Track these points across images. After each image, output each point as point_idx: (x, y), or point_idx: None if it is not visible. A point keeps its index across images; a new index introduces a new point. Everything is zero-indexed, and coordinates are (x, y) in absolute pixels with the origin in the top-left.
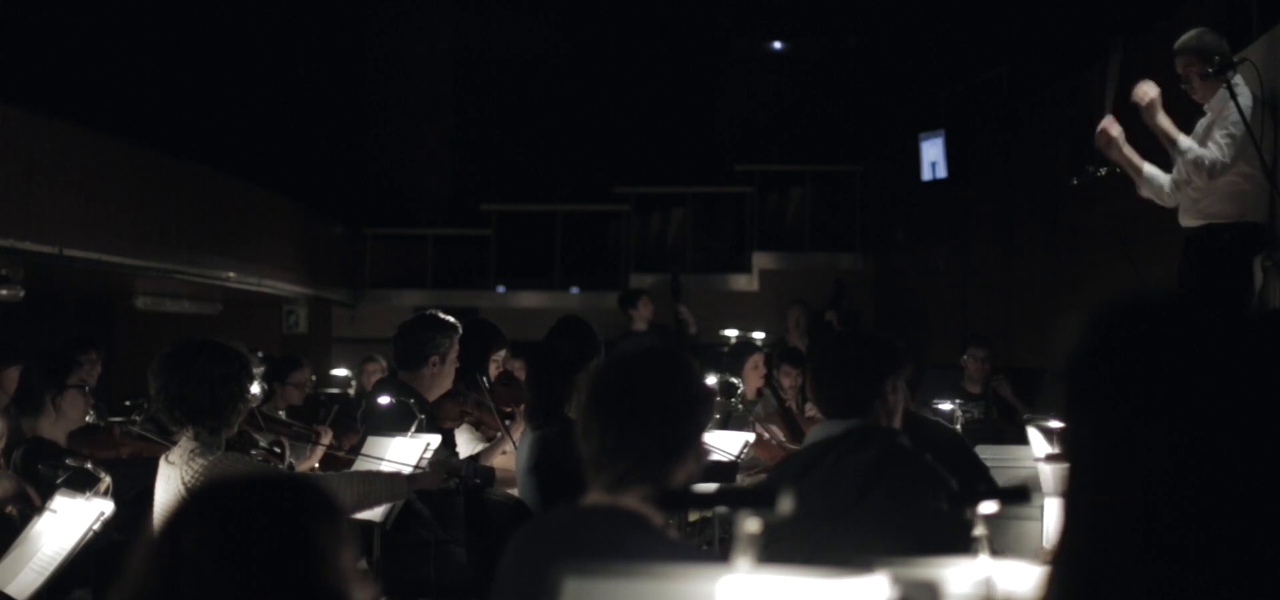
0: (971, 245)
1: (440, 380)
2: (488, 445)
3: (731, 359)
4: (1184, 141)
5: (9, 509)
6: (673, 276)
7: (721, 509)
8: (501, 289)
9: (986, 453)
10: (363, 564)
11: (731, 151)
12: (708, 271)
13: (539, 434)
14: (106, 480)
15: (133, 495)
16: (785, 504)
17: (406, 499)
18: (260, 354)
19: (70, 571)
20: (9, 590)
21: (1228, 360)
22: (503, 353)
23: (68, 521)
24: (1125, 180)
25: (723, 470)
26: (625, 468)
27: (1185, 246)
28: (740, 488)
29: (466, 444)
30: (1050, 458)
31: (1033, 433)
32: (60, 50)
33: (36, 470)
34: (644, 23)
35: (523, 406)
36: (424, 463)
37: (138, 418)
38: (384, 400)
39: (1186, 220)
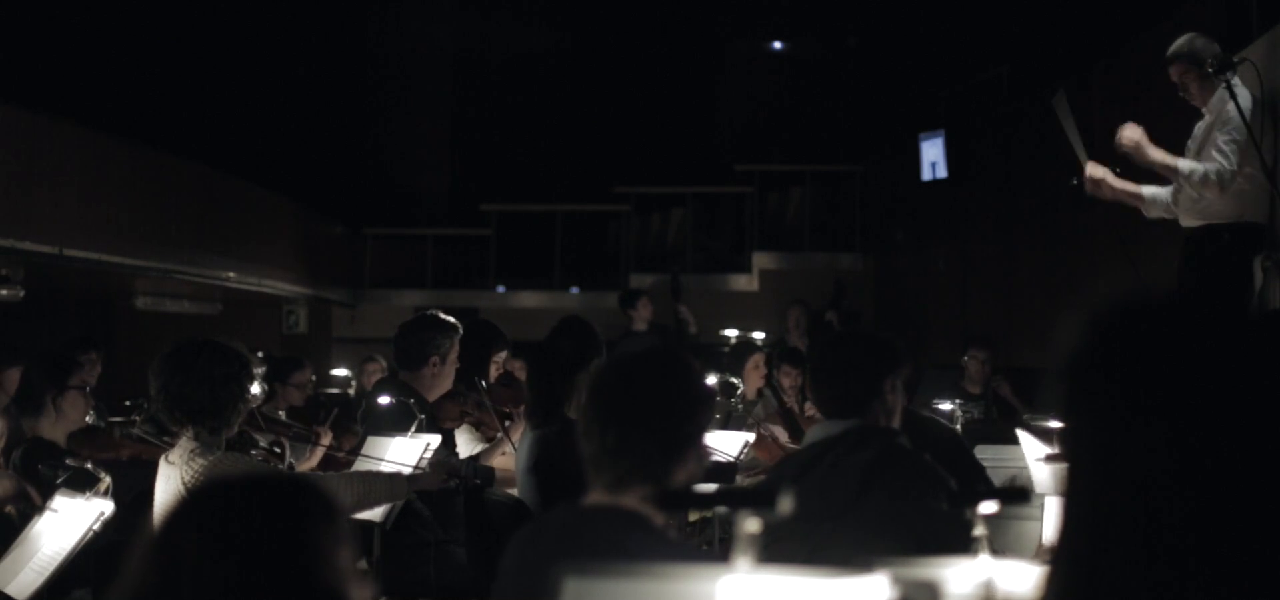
0: (971, 245)
1: (440, 380)
2: (487, 447)
3: (732, 359)
4: (1185, 165)
5: (8, 509)
6: (673, 276)
7: (721, 509)
8: (501, 289)
9: (980, 453)
10: (363, 564)
11: (731, 151)
12: (708, 271)
13: (538, 434)
14: (106, 480)
15: (131, 497)
16: (785, 504)
17: (406, 499)
18: (260, 354)
19: (70, 571)
20: (9, 590)
21: (1228, 361)
22: (504, 354)
23: (68, 521)
24: (1124, 180)
25: (722, 471)
26: (626, 467)
27: (1185, 246)
28: (740, 488)
29: (466, 444)
30: (1050, 458)
31: (1023, 434)
32: (60, 50)
33: (36, 470)
34: (644, 22)
35: (522, 407)
36: (424, 463)
37: (137, 418)
38: (384, 400)
39: (1186, 220)
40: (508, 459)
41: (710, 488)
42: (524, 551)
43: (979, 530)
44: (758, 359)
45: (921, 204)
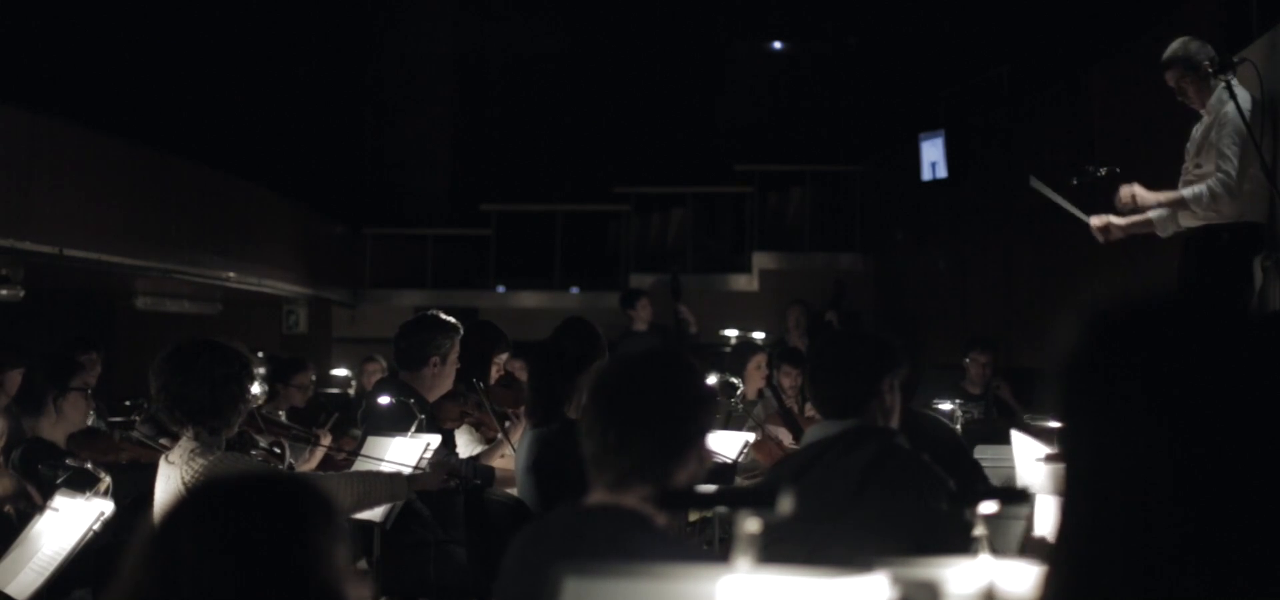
0: (971, 245)
1: (441, 381)
2: (487, 448)
3: (734, 359)
4: (1188, 193)
5: (7, 508)
6: (672, 276)
7: (721, 509)
8: (501, 289)
9: (979, 453)
10: (363, 564)
11: (731, 151)
12: (708, 271)
13: (538, 433)
14: (106, 480)
15: (130, 500)
16: (785, 504)
17: (406, 499)
18: (261, 354)
19: (70, 571)
20: (9, 590)
21: (1227, 361)
22: (505, 355)
23: (68, 521)
24: (1125, 180)
25: (721, 472)
26: (626, 466)
27: (1185, 246)
28: (740, 488)
29: (466, 445)
30: (1049, 458)
31: (1016, 435)
32: (60, 50)
33: (36, 470)
34: (644, 23)
35: (522, 408)
36: (424, 463)
37: (137, 418)
38: (384, 400)
39: (1186, 221)
40: (507, 460)
41: (710, 488)
42: (525, 551)
43: (979, 530)
44: (759, 360)
45: (921, 204)
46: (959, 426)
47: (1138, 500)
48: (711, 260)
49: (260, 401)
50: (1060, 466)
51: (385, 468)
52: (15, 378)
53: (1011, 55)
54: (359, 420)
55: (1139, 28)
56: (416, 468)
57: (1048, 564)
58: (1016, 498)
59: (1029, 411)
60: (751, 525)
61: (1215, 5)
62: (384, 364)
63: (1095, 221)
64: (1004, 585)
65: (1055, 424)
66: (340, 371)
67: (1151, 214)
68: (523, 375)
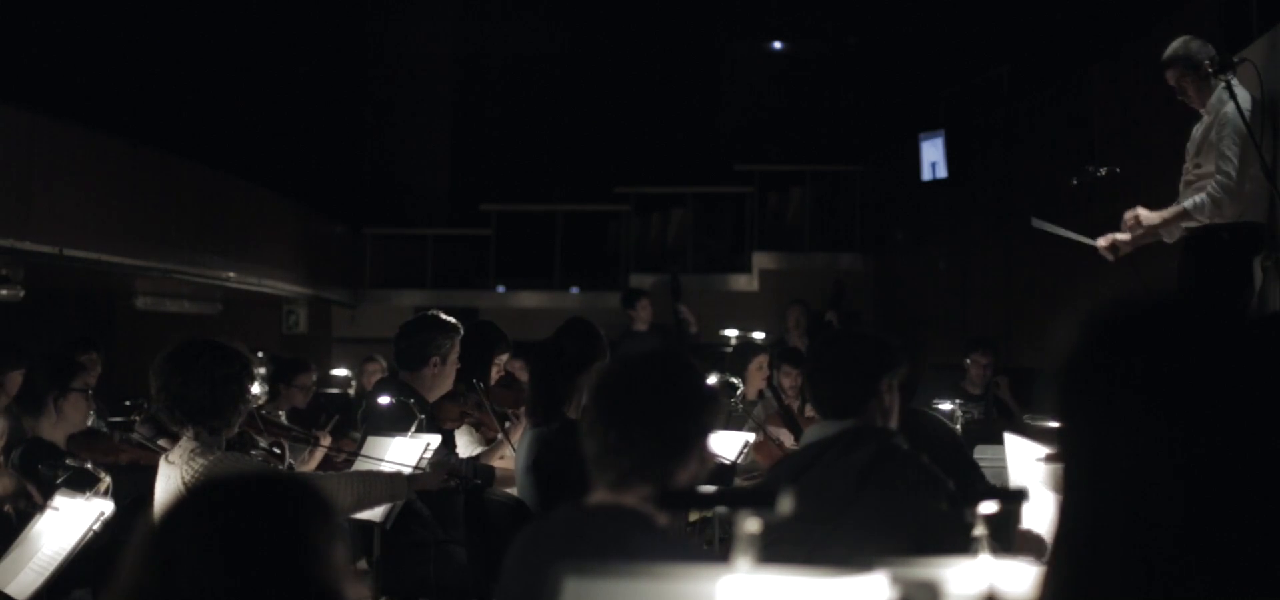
0: (971, 245)
1: (441, 381)
2: (487, 448)
3: (735, 360)
4: (1192, 202)
5: (7, 508)
6: (672, 276)
7: (721, 509)
8: (501, 289)
9: (978, 453)
10: (363, 564)
11: (731, 151)
12: (708, 271)
13: (538, 433)
14: (106, 480)
15: (129, 502)
16: (785, 504)
17: (406, 499)
18: (260, 354)
19: (70, 571)
20: (9, 590)
21: (1227, 361)
22: (505, 356)
23: (68, 521)
24: (1125, 180)
25: (720, 473)
26: (627, 466)
27: (1185, 246)
28: (740, 488)
29: (466, 446)
30: (1049, 458)
31: (1009, 437)
32: (60, 50)
33: (36, 469)
34: (644, 23)
35: (522, 408)
36: (424, 463)
37: (137, 418)
38: (384, 400)
39: (1191, 223)
40: (507, 460)
41: (710, 488)
42: (527, 550)
43: (979, 530)
44: (761, 360)
45: (921, 204)
46: (959, 427)
47: (1137, 500)
48: (711, 260)
49: (261, 402)
50: (1060, 466)
51: (385, 468)
52: (16, 378)
53: (1011, 55)
54: (359, 420)
55: (1139, 28)
56: (416, 468)
57: (1047, 564)
58: (1016, 498)
59: (1028, 412)
60: (751, 525)
61: (1215, 5)
62: (384, 364)
63: (1102, 242)
64: (1002, 585)
65: (1055, 424)
66: (340, 371)
67: (1157, 223)
68: (523, 375)
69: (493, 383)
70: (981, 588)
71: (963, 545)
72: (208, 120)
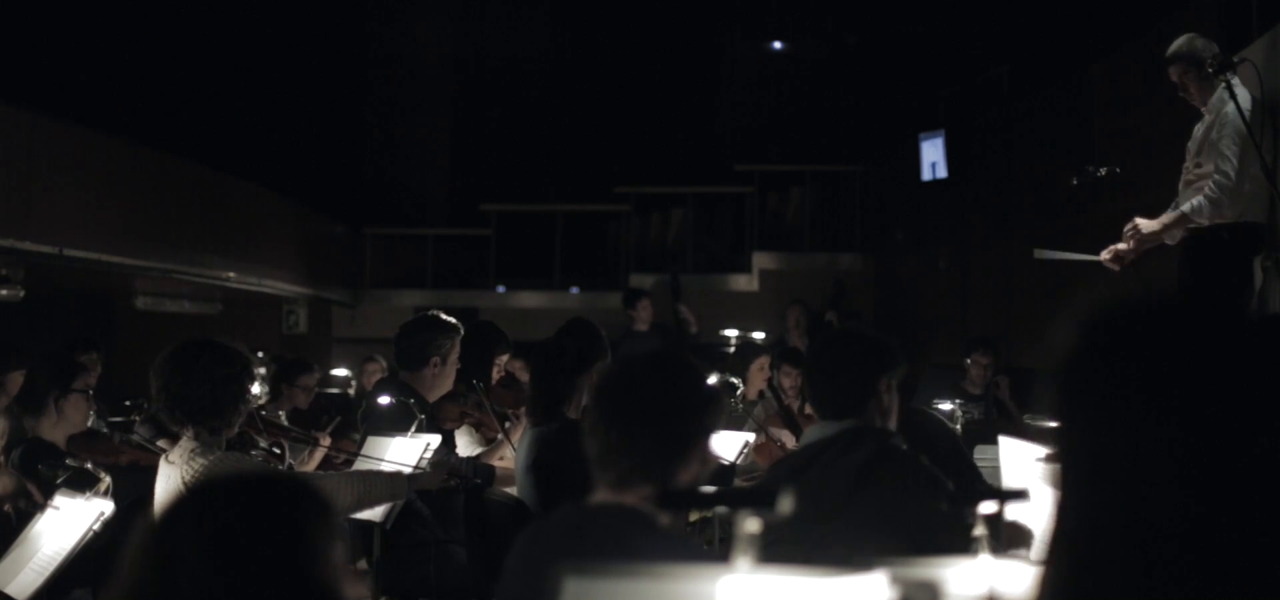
0: (971, 245)
1: (441, 381)
2: (487, 448)
3: (736, 360)
4: (1191, 205)
5: (7, 508)
6: (672, 276)
7: (721, 509)
8: (501, 289)
9: (977, 454)
10: (363, 564)
11: (731, 151)
12: (708, 271)
13: (538, 433)
14: (106, 480)
15: (129, 503)
16: (785, 504)
17: (406, 499)
18: (261, 354)
19: (70, 571)
20: (9, 590)
21: (1226, 361)
22: (506, 356)
23: (68, 521)
24: (1125, 180)
25: (720, 473)
26: (629, 466)
27: (1185, 246)
28: (740, 488)
29: (466, 446)
30: (1048, 458)
31: (1004, 438)
32: (60, 50)
33: (36, 469)
34: (644, 23)
35: (522, 408)
36: (424, 463)
37: (137, 419)
38: (384, 400)
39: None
40: (507, 460)
41: (710, 488)
42: (528, 550)
43: (979, 530)
44: (763, 361)
45: (921, 204)
46: (959, 427)
47: (1137, 500)
48: (711, 260)
49: (262, 402)
50: (1058, 466)
51: (385, 468)
52: (17, 379)
53: (1011, 55)
54: (359, 420)
55: (1139, 27)
56: (416, 468)
57: (1046, 564)
58: (1016, 497)
59: (1028, 412)
60: (751, 525)
61: (1215, 5)
62: (384, 364)
63: (1105, 256)
64: (1002, 585)
65: (1054, 424)
66: (340, 371)
67: (1158, 227)
68: (523, 375)
69: (493, 383)
70: (981, 588)
71: (962, 545)
72: (208, 120)
